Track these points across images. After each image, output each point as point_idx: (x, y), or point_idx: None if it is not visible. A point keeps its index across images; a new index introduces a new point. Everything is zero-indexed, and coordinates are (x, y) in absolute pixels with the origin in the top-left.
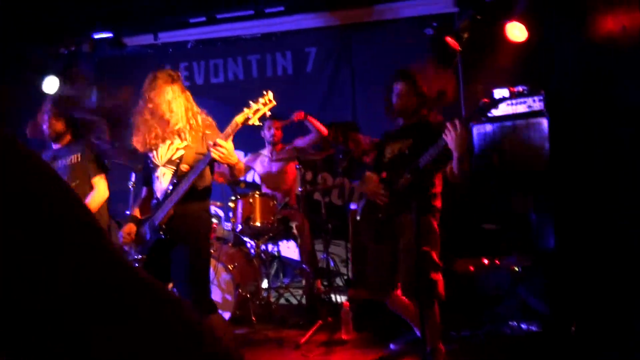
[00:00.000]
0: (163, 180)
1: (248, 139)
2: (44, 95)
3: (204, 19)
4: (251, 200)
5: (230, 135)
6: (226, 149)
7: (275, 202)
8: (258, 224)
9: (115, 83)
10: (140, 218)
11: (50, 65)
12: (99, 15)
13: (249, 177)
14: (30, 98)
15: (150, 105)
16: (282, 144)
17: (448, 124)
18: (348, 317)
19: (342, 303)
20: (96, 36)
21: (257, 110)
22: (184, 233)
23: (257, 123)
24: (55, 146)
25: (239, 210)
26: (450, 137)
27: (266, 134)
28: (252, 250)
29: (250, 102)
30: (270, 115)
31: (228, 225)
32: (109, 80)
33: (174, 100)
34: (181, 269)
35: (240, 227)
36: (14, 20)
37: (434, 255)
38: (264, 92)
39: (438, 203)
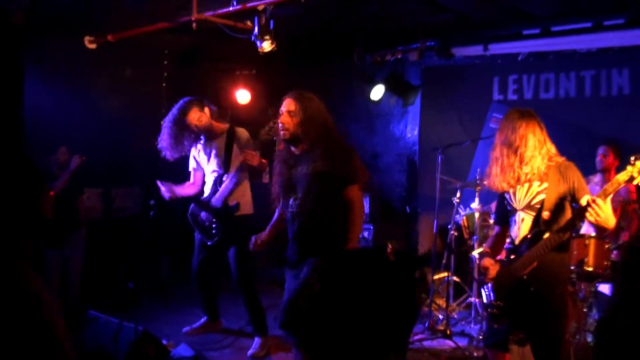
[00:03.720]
0: (522, 226)
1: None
2: (371, 103)
3: (537, 31)
4: (586, 242)
5: (610, 195)
6: (603, 211)
7: (609, 245)
8: (590, 269)
9: (440, 92)
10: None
11: (377, 73)
12: (429, 24)
13: None
14: (356, 106)
15: (508, 143)
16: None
17: None
18: None
19: None
20: (424, 45)
21: None
22: (545, 283)
23: None
24: None
25: (574, 250)
26: None
27: (598, 159)
28: (581, 293)
29: (634, 160)
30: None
31: None
32: (434, 89)
33: (532, 140)
34: (542, 320)
35: (572, 267)
36: (341, 29)
37: None
38: None
39: None
